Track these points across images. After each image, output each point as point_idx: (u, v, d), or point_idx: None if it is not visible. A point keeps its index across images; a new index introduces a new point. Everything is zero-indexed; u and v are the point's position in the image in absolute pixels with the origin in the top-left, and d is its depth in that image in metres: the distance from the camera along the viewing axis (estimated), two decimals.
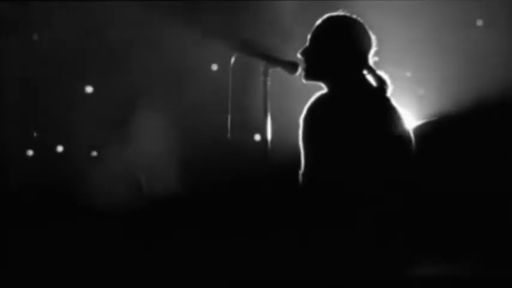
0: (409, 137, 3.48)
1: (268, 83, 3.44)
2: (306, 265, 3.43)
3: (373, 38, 3.65)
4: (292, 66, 3.52)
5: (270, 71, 3.47)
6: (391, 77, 3.58)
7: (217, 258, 5.58)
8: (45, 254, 5.54)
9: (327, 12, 3.70)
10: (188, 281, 5.57)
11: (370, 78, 3.59)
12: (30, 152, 5.83)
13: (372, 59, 3.63)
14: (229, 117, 3.49)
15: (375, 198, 3.41)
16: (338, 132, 3.46)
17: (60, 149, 5.85)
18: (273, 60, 3.48)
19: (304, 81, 3.60)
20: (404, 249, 3.47)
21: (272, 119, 3.43)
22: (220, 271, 5.56)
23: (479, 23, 5.71)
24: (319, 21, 3.66)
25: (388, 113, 3.48)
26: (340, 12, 3.68)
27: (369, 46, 3.62)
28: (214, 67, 5.75)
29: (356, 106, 3.49)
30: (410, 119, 3.56)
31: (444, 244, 5.53)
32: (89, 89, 5.84)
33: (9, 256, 5.52)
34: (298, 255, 3.44)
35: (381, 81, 3.57)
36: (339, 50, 3.58)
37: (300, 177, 3.49)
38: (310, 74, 3.59)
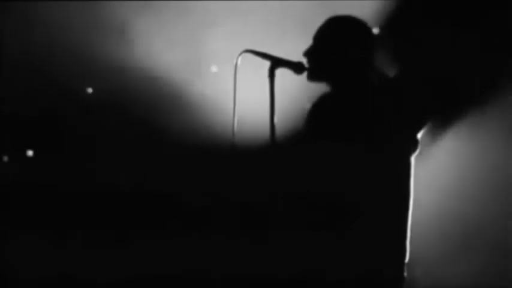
0: (413, 136, 3.51)
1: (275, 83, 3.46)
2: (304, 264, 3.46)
3: (375, 37, 3.67)
4: (298, 66, 3.54)
5: (277, 71, 3.48)
6: None
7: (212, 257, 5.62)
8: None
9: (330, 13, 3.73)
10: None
11: (373, 77, 3.61)
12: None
13: (375, 58, 3.65)
14: (234, 118, 3.50)
15: (379, 198, 3.44)
16: (342, 131, 3.48)
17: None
18: (279, 60, 3.49)
19: (308, 81, 3.62)
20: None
21: (278, 119, 3.44)
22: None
23: None
24: (322, 23, 3.69)
25: (392, 109, 3.50)
26: (342, 14, 3.70)
27: (372, 46, 3.65)
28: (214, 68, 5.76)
29: (359, 105, 3.51)
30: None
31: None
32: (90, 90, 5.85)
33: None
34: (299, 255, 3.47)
35: (384, 79, 3.60)
36: (342, 51, 3.60)
37: (305, 178, 3.50)
38: (314, 74, 3.61)
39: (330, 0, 4.83)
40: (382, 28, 5.44)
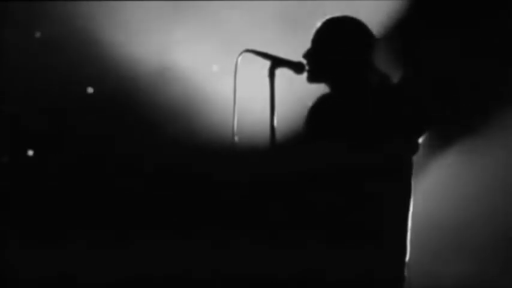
0: (414, 140, 3.50)
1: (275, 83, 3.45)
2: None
3: (374, 36, 3.67)
4: (298, 66, 3.54)
5: (277, 71, 3.48)
6: None
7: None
8: None
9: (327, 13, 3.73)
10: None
11: (373, 78, 3.61)
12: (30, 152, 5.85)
13: (374, 58, 3.65)
14: (234, 118, 3.50)
15: (379, 198, 3.44)
16: (342, 131, 3.48)
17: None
18: (280, 60, 3.49)
19: (308, 82, 3.63)
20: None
21: (278, 118, 3.44)
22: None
23: None
24: (320, 24, 3.68)
25: (392, 110, 3.50)
26: (340, 14, 3.70)
27: (371, 45, 3.64)
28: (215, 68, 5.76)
29: (359, 106, 3.51)
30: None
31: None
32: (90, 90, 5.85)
33: None
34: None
35: (384, 79, 3.59)
36: (341, 52, 3.60)
37: (305, 178, 3.50)
38: (314, 76, 3.61)
39: (332, 1, 4.83)
40: (386, 30, 5.46)
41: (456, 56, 5.50)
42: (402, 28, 5.58)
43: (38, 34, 5.77)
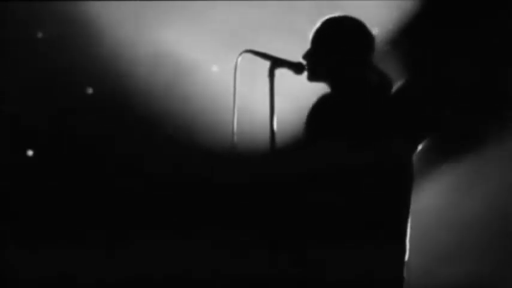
0: (414, 135, 3.51)
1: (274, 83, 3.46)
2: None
3: (373, 36, 3.67)
4: (298, 67, 3.54)
5: (276, 71, 3.48)
6: None
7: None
8: None
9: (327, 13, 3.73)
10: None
11: (372, 77, 3.61)
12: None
13: (373, 57, 3.65)
14: (234, 119, 3.50)
15: (379, 197, 3.44)
16: (342, 131, 3.48)
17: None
18: (279, 60, 3.49)
19: (308, 81, 3.63)
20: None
21: (278, 119, 3.44)
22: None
23: None
24: (319, 24, 3.69)
25: (391, 109, 3.50)
26: (339, 14, 3.71)
27: (370, 45, 3.65)
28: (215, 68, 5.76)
29: (359, 104, 3.52)
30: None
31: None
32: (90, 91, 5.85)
33: None
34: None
35: (383, 78, 3.60)
36: (340, 51, 3.60)
37: (305, 178, 3.50)
38: (313, 76, 3.62)
39: (332, 1, 4.83)
40: (386, 31, 5.46)
41: (456, 56, 5.50)
42: (402, 28, 5.58)
43: (40, 34, 5.76)
